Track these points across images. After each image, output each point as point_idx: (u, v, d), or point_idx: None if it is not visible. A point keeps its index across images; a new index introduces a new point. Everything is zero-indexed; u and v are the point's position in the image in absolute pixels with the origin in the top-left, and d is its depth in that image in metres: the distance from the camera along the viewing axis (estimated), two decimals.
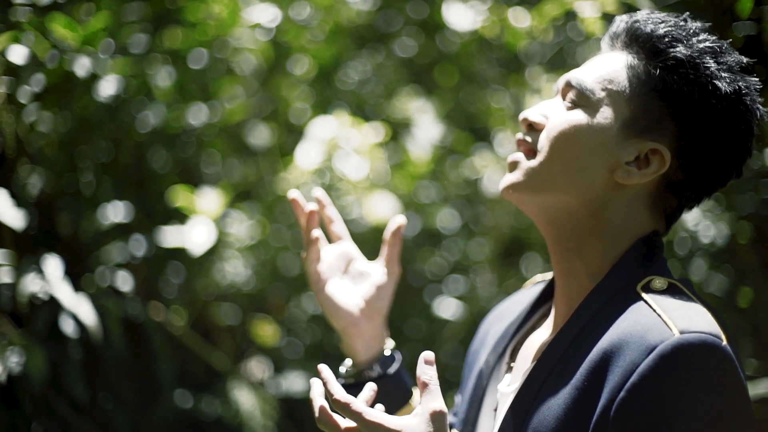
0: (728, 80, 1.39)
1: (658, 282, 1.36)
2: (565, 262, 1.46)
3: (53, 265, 2.78)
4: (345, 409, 1.33)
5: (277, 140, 3.74)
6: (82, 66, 2.90)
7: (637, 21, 1.45)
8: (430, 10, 3.89)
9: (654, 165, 1.40)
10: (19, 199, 2.81)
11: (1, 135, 2.83)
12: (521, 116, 1.49)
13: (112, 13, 3.14)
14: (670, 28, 1.42)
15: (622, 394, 1.24)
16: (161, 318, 3.22)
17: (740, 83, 1.40)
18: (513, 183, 1.45)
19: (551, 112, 1.46)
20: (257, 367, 3.65)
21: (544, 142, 1.43)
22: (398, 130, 3.74)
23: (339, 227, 1.75)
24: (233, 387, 3.28)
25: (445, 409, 1.33)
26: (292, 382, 3.45)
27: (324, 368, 1.40)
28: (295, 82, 3.79)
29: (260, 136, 3.76)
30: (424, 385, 1.33)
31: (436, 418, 1.31)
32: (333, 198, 3.31)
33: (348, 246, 1.74)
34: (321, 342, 3.62)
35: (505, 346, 1.54)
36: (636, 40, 1.44)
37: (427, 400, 1.32)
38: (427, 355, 1.36)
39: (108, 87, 3.03)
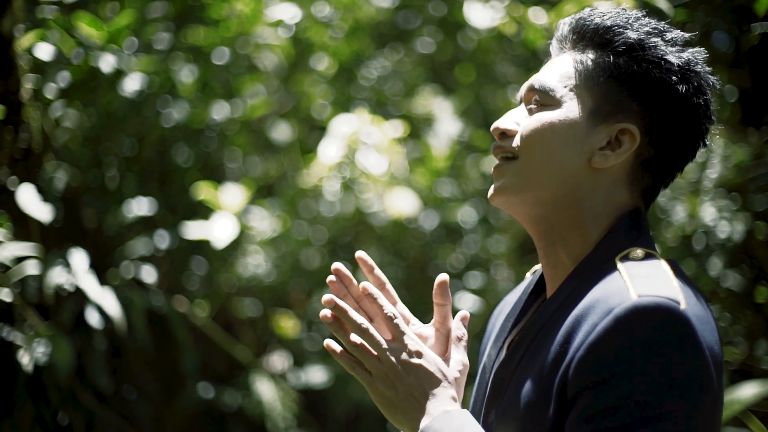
0: (676, 53, 1.46)
1: (635, 252, 1.42)
2: (551, 255, 1.52)
3: (79, 257, 2.83)
4: (390, 322, 1.45)
5: (298, 136, 3.78)
6: (107, 63, 2.95)
7: (581, 19, 1.53)
8: (449, 8, 3.91)
9: (626, 143, 1.46)
10: (45, 193, 2.87)
11: (27, 131, 2.88)
12: (493, 127, 1.55)
13: (136, 11, 3.19)
14: (614, 18, 1.50)
15: (580, 352, 1.31)
16: (185, 310, 3.27)
17: (687, 54, 1.47)
18: (499, 187, 1.52)
19: (521, 118, 1.53)
20: (278, 360, 3.70)
21: (520, 144, 1.50)
22: (418, 126, 3.77)
23: (389, 291, 1.64)
24: (255, 379, 3.32)
25: (468, 363, 1.48)
26: (313, 374, 3.49)
27: (369, 285, 1.48)
28: (317, 78, 3.82)
29: (282, 132, 3.80)
30: (458, 339, 1.50)
31: (463, 371, 1.47)
32: (356, 193, 3.35)
33: (401, 311, 1.65)
34: None
35: (504, 339, 1.57)
36: (584, 37, 1.51)
37: (457, 352, 1.49)
38: (464, 313, 1.53)
39: (132, 83, 3.08)
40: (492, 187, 1.54)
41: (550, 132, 1.47)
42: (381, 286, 1.61)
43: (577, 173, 1.46)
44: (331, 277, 1.55)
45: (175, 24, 3.53)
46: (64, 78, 2.97)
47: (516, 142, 1.51)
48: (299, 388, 3.51)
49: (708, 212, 2.88)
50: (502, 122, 1.54)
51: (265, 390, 3.28)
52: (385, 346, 1.43)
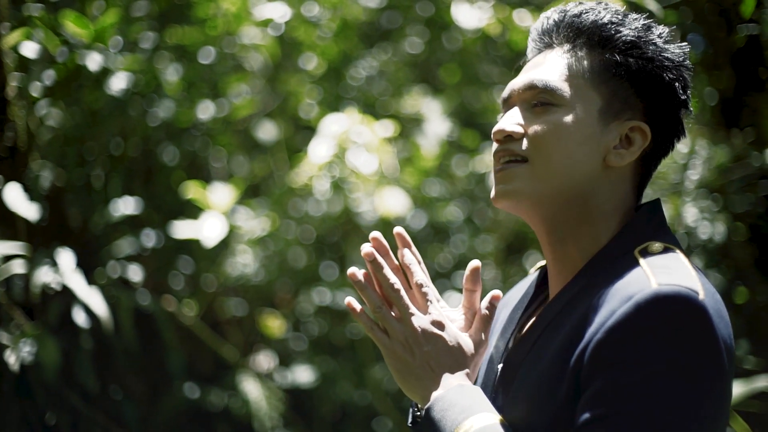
0: (671, 50, 1.48)
1: (654, 246, 1.43)
2: (558, 251, 1.52)
3: (65, 257, 2.82)
4: (419, 289, 1.49)
5: (285, 135, 3.78)
6: (92, 61, 2.94)
7: (575, 15, 1.51)
8: (436, 8, 3.93)
9: (638, 141, 1.47)
10: (31, 192, 2.85)
11: (12, 129, 2.86)
12: (496, 129, 1.51)
13: (121, 9, 3.18)
14: (609, 15, 1.50)
15: (598, 335, 1.32)
16: (172, 310, 3.26)
17: (678, 50, 1.50)
18: (510, 190, 1.49)
19: (524, 120, 1.50)
20: (264, 359, 3.70)
21: (531, 148, 1.48)
22: (406, 126, 3.78)
23: (423, 270, 1.62)
24: (241, 379, 3.32)
25: (488, 342, 1.53)
26: (299, 374, 3.50)
27: (408, 254, 1.53)
28: (304, 78, 3.83)
29: (268, 131, 3.80)
30: (487, 317, 1.52)
31: (482, 351, 1.50)
32: (345, 192, 3.35)
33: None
34: (327, 335, 3.66)
35: (512, 331, 1.59)
36: (581, 32, 1.50)
37: (481, 330, 1.52)
38: (496, 292, 1.55)
39: (117, 82, 3.07)
40: (495, 189, 1.52)
41: (565, 133, 1.46)
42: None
43: (593, 172, 1.47)
44: (368, 244, 1.54)
45: (160, 23, 3.52)
46: (49, 76, 2.96)
47: (525, 145, 1.48)
48: (285, 387, 3.51)
49: (690, 213, 2.91)
50: (507, 125, 1.50)
51: (252, 389, 3.28)
52: (411, 310, 1.46)
